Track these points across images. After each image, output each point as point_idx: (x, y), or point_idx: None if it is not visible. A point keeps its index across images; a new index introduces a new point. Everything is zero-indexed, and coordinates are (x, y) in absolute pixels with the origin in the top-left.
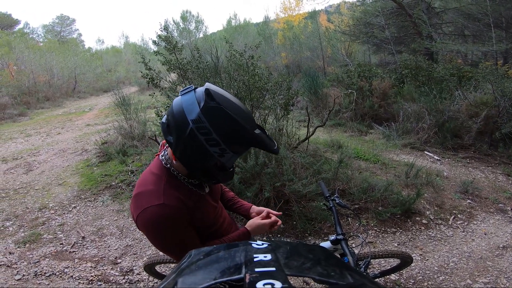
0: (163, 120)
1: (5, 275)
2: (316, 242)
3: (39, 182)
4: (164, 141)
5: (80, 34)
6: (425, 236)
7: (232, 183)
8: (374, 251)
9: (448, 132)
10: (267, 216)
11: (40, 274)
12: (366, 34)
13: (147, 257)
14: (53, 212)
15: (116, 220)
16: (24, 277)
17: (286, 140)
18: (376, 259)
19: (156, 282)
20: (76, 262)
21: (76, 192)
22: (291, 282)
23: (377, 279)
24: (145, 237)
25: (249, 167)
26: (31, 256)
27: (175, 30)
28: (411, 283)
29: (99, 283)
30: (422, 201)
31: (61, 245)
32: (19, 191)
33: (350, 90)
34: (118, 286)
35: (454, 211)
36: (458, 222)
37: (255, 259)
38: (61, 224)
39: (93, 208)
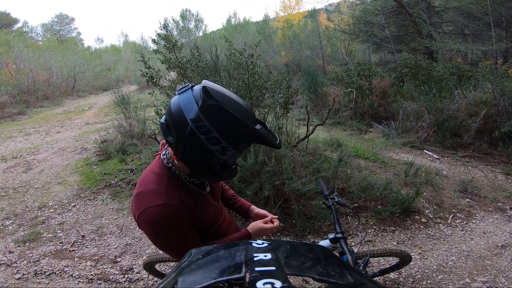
0: (162, 120)
1: (5, 274)
2: (316, 240)
3: (38, 181)
4: (164, 140)
5: (79, 33)
6: (424, 235)
7: (231, 181)
8: (373, 250)
9: (447, 131)
10: (270, 221)
11: (40, 273)
12: (366, 33)
13: (146, 255)
14: (52, 211)
15: (115, 218)
16: (24, 276)
17: (285, 138)
18: (375, 258)
19: (156, 281)
20: (76, 261)
21: (75, 190)
22: (291, 282)
23: (376, 277)
24: (144, 235)
25: (248, 165)
26: (31, 255)
27: (174, 29)
28: (410, 282)
29: (99, 282)
30: (421, 200)
31: (61, 244)
32: (19, 190)
33: (349, 89)
34: (118, 285)
35: (453, 210)
36: (457, 221)
37: (255, 258)
38: (60, 223)
39: (93, 207)
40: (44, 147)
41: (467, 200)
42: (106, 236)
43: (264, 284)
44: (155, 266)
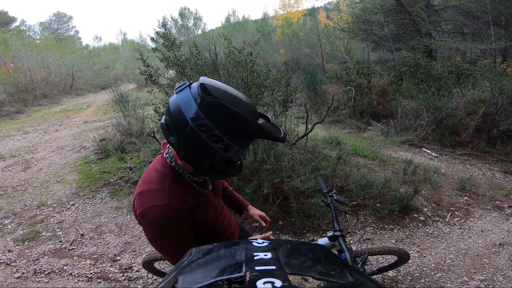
0: (162, 121)
1: (5, 273)
2: (315, 238)
3: (37, 180)
4: (165, 140)
5: (77, 32)
6: (422, 233)
7: (230, 179)
8: (371, 248)
9: (446, 129)
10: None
11: (40, 272)
12: (365, 31)
13: (146, 254)
14: (51, 209)
15: (115, 217)
16: (23, 275)
17: None
18: (374, 256)
19: (156, 279)
20: (75, 259)
21: (74, 189)
22: (291, 281)
23: (375, 275)
24: (144, 234)
25: (247, 163)
26: (30, 254)
27: (173, 27)
28: (408, 280)
29: (98, 280)
30: (419, 198)
31: (60, 243)
32: (17, 188)
33: (348, 87)
34: (117, 284)
35: (451, 208)
36: (455, 219)
37: (255, 258)
38: (59, 222)
39: (92, 205)
40: (42, 145)
41: (465, 198)
42: (105, 235)
43: (264, 283)
44: (154, 264)
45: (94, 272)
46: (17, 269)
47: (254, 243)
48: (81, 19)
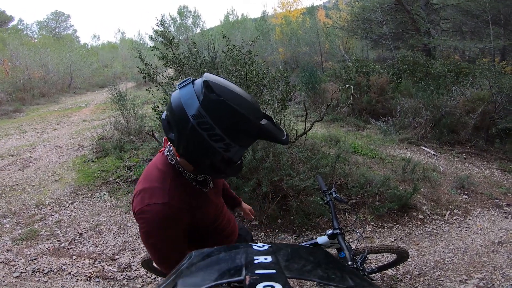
0: (163, 116)
1: (3, 272)
2: (314, 237)
3: (35, 179)
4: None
5: (75, 30)
6: (421, 231)
7: (229, 177)
8: (371, 246)
9: (444, 127)
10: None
11: (38, 271)
12: (364, 30)
13: (145, 253)
14: (50, 208)
15: (113, 216)
16: (22, 275)
17: None
18: (373, 254)
19: (154, 278)
20: (74, 258)
21: (73, 188)
22: (291, 284)
23: (374, 274)
24: None
25: (246, 161)
26: (28, 253)
27: (172, 26)
28: (407, 279)
29: (97, 279)
30: (418, 196)
31: (59, 242)
32: (16, 187)
33: (347, 85)
34: (116, 283)
35: (450, 207)
36: (454, 218)
37: (255, 261)
38: (58, 221)
39: (90, 204)
40: (40, 144)
41: (464, 196)
42: (104, 234)
43: (264, 287)
44: (153, 263)
45: (93, 271)
46: (15, 269)
47: (254, 247)
48: (79, 18)
